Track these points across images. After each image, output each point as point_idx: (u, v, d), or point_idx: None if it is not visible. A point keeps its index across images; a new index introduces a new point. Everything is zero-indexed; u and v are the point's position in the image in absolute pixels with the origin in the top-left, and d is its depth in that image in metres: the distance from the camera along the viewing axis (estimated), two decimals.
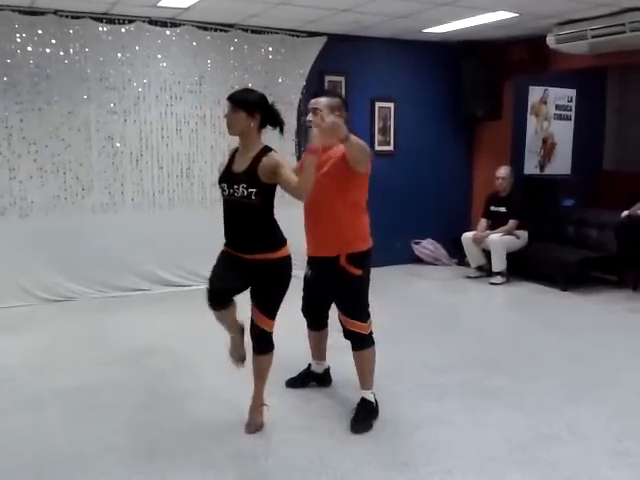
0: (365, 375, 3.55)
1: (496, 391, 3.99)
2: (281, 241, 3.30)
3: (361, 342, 3.50)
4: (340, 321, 3.55)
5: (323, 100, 3.46)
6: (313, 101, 3.50)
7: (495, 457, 3.15)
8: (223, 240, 3.39)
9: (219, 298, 3.28)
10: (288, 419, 3.53)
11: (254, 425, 3.41)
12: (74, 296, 6.12)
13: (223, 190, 3.28)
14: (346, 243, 3.42)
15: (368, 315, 3.52)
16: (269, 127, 3.32)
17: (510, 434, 3.40)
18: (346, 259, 3.40)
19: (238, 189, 3.16)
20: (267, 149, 3.22)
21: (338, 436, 3.38)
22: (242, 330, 3.49)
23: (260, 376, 3.42)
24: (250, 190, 3.14)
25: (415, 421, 3.56)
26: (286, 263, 3.31)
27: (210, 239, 6.23)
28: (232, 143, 6.26)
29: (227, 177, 3.28)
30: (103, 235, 6.19)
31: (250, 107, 3.19)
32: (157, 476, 2.98)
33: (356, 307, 3.49)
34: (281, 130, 3.30)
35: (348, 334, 3.52)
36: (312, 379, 4.01)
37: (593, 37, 6.05)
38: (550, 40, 6.53)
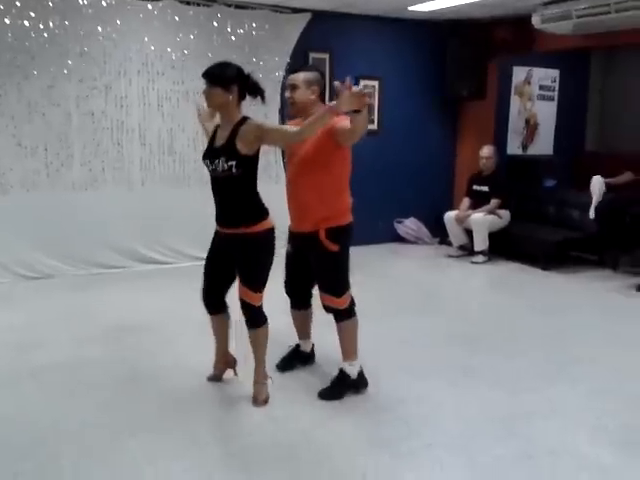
0: (345, 346, 3.59)
1: (477, 368, 4.03)
2: (263, 214, 3.32)
3: (339, 315, 3.55)
4: (320, 296, 3.58)
5: (300, 75, 3.45)
6: (290, 77, 3.50)
7: (477, 433, 3.19)
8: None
9: (212, 297, 3.48)
10: (271, 395, 3.52)
11: (261, 399, 3.46)
12: (54, 273, 6.06)
13: (207, 166, 3.31)
14: (326, 218, 3.42)
15: (344, 291, 3.51)
16: (252, 100, 3.30)
17: (491, 410, 3.43)
18: (325, 233, 3.40)
19: (219, 163, 3.19)
20: (245, 119, 3.23)
21: (322, 412, 3.40)
22: (229, 364, 3.73)
23: (256, 350, 3.47)
24: (230, 163, 3.16)
25: (397, 397, 3.58)
26: (268, 236, 3.32)
27: (192, 216, 6.36)
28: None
29: (209, 153, 3.30)
30: (84, 212, 6.12)
31: (226, 82, 3.19)
32: (141, 452, 2.97)
33: (332, 282, 3.51)
34: (262, 99, 3.28)
35: (325, 308, 3.58)
36: (300, 358, 4.01)
37: (578, 17, 6.05)
38: (535, 20, 6.51)
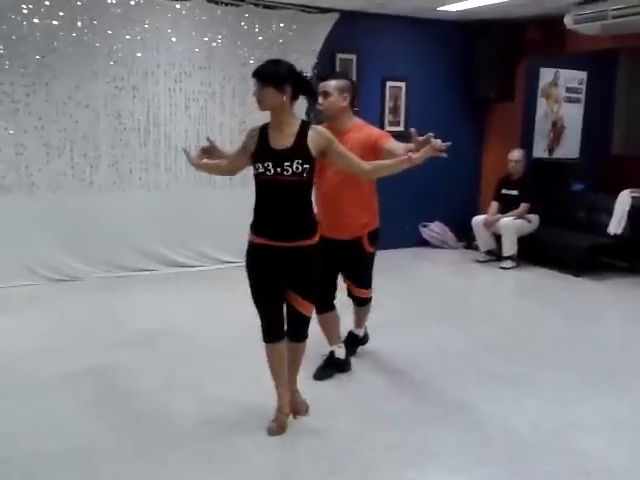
0: (359, 320, 4.17)
1: (516, 378, 3.93)
2: (318, 223, 3.12)
3: (364, 302, 4.07)
4: (347, 287, 3.99)
5: (332, 83, 3.56)
6: (322, 84, 3.59)
7: (525, 446, 3.09)
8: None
9: (279, 324, 3.14)
10: (312, 406, 3.42)
11: (304, 406, 3.39)
12: (80, 275, 6.01)
13: (266, 170, 2.91)
14: (366, 224, 3.73)
15: (371, 283, 4.02)
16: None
17: (537, 423, 3.33)
18: (367, 237, 3.72)
19: (291, 166, 2.88)
20: (307, 122, 3.06)
21: (365, 423, 3.32)
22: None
23: (295, 363, 3.31)
24: (305, 166, 2.90)
25: (441, 409, 3.50)
26: (320, 246, 3.14)
27: (218, 219, 6.28)
28: (242, 121, 6.23)
29: (270, 155, 2.93)
30: (110, 214, 6.07)
31: (278, 81, 2.93)
32: (184, 465, 2.89)
33: (366, 278, 3.97)
34: (315, 99, 3.20)
35: (354, 298, 4.03)
36: (336, 366, 3.93)
37: (614, 17, 5.91)
38: (568, 20, 6.38)
